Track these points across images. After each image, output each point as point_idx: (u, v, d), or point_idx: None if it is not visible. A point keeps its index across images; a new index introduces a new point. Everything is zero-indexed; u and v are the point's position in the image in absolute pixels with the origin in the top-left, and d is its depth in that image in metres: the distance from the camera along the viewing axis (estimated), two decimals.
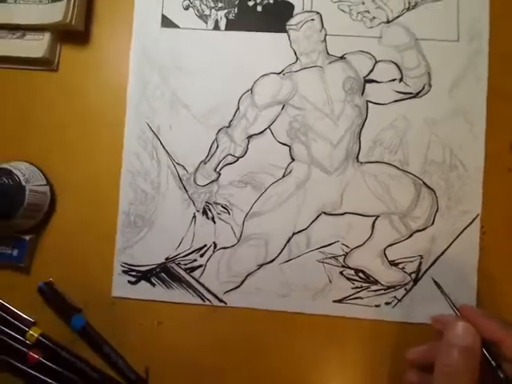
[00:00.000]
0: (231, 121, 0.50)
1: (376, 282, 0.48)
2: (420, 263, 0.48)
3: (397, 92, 0.49)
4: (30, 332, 0.48)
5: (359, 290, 0.48)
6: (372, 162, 0.49)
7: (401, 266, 0.48)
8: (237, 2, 0.51)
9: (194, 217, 0.49)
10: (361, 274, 0.48)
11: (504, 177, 0.48)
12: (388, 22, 0.50)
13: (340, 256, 0.48)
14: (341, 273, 0.48)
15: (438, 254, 0.48)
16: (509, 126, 0.49)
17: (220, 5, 0.51)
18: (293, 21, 0.50)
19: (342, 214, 0.49)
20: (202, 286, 0.49)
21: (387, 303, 0.48)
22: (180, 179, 0.50)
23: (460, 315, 0.38)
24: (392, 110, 0.49)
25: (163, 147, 0.50)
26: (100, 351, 0.48)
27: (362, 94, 0.49)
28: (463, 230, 0.48)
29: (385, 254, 0.48)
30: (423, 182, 0.48)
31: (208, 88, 0.50)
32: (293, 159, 0.49)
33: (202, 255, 0.49)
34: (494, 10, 0.49)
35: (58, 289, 0.49)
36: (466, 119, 0.48)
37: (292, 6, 0.51)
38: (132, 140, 0.50)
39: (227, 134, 0.50)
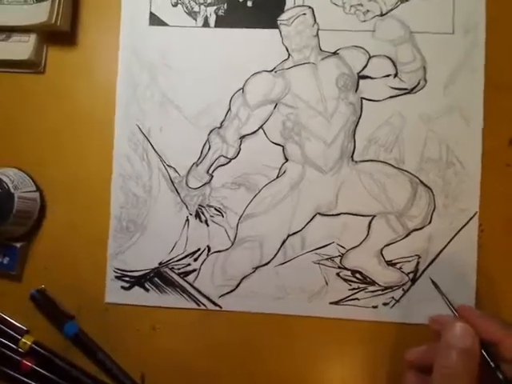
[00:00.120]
0: (223, 121, 0.49)
1: (373, 282, 0.48)
2: (418, 263, 0.47)
3: (392, 88, 0.48)
4: (23, 340, 0.47)
5: (356, 291, 0.48)
6: (367, 161, 0.48)
7: (398, 266, 0.47)
8: None
9: (187, 220, 0.49)
10: (358, 275, 0.48)
11: (502, 173, 0.47)
12: (382, 15, 0.49)
13: (336, 257, 0.48)
14: (337, 274, 0.48)
15: (435, 254, 0.47)
16: (507, 121, 0.47)
17: (209, 1, 0.50)
18: (284, 16, 0.49)
19: (337, 215, 0.48)
20: (197, 290, 0.48)
21: (385, 304, 0.47)
22: (172, 182, 0.49)
23: (458, 316, 0.38)
24: (387, 106, 0.48)
25: (154, 149, 0.49)
26: (94, 358, 0.48)
27: (356, 90, 0.48)
28: (461, 229, 0.47)
29: (382, 254, 0.48)
30: (420, 180, 0.47)
31: (198, 88, 0.49)
32: (286, 159, 0.48)
33: (195, 259, 0.48)
34: (490, 1, 0.48)
35: (50, 296, 0.49)
36: (462, 114, 0.47)
37: (283, 1, 0.49)
38: (122, 142, 0.50)
39: (219, 134, 0.49)
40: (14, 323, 0.48)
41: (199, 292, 0.48)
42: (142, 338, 0.48)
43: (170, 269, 0.48)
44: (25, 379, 0.46)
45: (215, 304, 0.48)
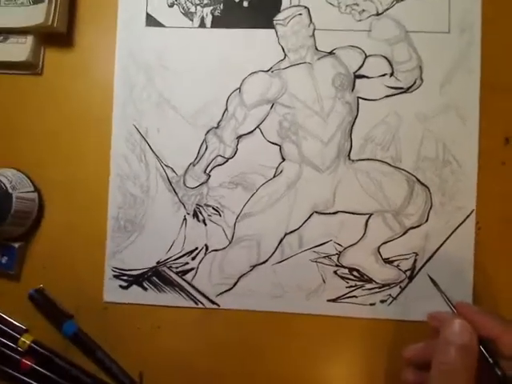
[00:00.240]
0: (220, 121, 0.49)
1: (370, 280, 0.48)
2: (415, 260, 0.47)
3: (388, 87, 0.48)
4: (22, 339, 0.47)
5: (353, 288, 0.48)
6: (364, 160, 0.48)
7: (395, 263, 0.48)
8: None
9: (185, 219, 0.49)
10: (355, 273, 0.48)
11: (498, 171, 0.47)
12: (378, 14, 0.49)
13: (333, 255, 0.48)
14: (335, 272, 0.48)
15: (432, 251, 0.47)
16: (503, 120, 0.48)
17: (205, 1, 0.50)
18: (280, 16, 0.49)
19: (334, 213, 0.48)
20: (195, 288, 0.48)
21: (382, 301, 0.47)
22: (169, 182, 0.49)
23: (456, 312, 0.38)
24: (383, 105, 0.48)
25: (151, 150, 0.49)
26: (93, 357, 0.48)
27: (353, 90, 0.48)
28: (458, 227, 0.47)
29: (379, 252, 0.48)
30: (416, 178, 0.48)
31: (195, 88, 0.49)
32: (283, 159, 0.49)
33: (193, 258, 0.49)
34: (486, 0, 0.48)
35: (49, 295, 0.49)
36: (458, 113, 0.47)
37: (279, 1, 0.49)
38: (120, 143, 0.50)
39: (216, 134, 0.49)
40: (13, 322, 0.49)
41: (197, 290, 0.48)
42: (140, 336, 0.49)
43: (168, 268, 0.49)
44: (24, 378, 0.46)
45: (213, 302, 0.48)
